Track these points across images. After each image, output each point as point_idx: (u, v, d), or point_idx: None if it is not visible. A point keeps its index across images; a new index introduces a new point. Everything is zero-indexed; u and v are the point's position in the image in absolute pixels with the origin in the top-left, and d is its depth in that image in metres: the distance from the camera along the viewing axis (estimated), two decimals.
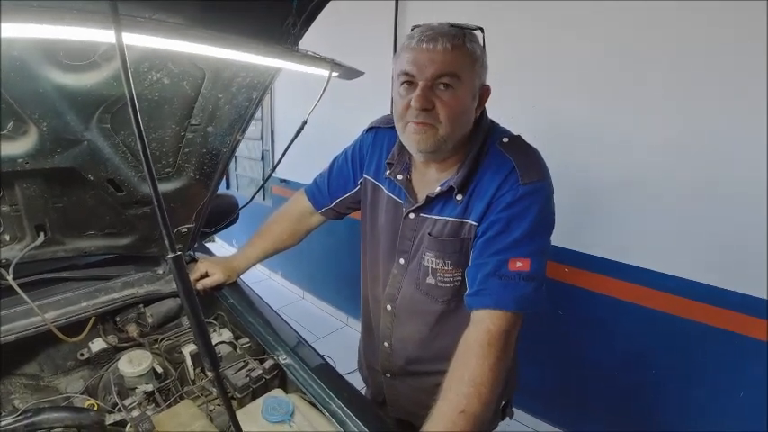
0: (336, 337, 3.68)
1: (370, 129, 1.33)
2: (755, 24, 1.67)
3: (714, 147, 1.86)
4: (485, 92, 1.06)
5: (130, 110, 0.51)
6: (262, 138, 4.46)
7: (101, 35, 0.68)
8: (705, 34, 1.81)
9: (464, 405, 0.88)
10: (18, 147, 1.07)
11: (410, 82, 0.99)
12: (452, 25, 0.98)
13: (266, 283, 4.65)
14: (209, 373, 1.24)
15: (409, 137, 1.04)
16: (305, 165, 2.18)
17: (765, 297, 1.81)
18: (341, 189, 1.38)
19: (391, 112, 1.12)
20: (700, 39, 1.82)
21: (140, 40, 0.74)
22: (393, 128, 1.22)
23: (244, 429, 0.75)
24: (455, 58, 0.96)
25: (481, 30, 1.03)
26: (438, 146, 1.02)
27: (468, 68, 0.98)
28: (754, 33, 1.68)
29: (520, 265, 0.98)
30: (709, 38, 1.80)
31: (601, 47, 2.10)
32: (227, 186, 5.14)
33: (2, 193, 1.18)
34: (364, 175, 1.31)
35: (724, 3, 1.73)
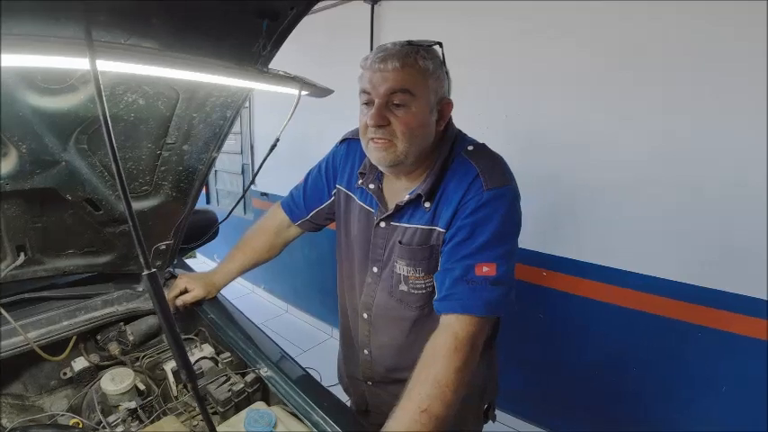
0: (322, 349, 3.67)
1: (343, 140, 1.36)
2: (755, 24, 1.69)
3: (696, 147, 1.89)
4: (445, 105, 1.10)
5: (105, 134, 0.54)
6: (242, 152, 4.46)
7: (76, 62, 0.70)
8: (705, 34, 1.82)
9: (427, 404, 0.90)
10: None
11: (370, 101, 1.04)
12: (410, 43, 1.03)
13: (249, 297, 4.62)
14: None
15: (371, 153, 1.09)
16: (285, 178, 2.18)
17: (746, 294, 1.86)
18: (316, 200, 1.41)
19: None
20: (697, 38, 1.83)
21: (115, 66, 0.76)
22: None
23: None
24: (406, 75, 1.00)
25: (440, 44, 1.07)
26: (398, 160, 1.06)
27: (421, 84, 1.02)
28: (755, 33, 1.70)
29: (486, 269, 1.00)
30: (709, 38, 1.81)
31: (586, 48, 2.12)
32: (208, 201, 5.10)
33: None
34: (337, 185, 1.33)
35: (724, 3, 1.75)
